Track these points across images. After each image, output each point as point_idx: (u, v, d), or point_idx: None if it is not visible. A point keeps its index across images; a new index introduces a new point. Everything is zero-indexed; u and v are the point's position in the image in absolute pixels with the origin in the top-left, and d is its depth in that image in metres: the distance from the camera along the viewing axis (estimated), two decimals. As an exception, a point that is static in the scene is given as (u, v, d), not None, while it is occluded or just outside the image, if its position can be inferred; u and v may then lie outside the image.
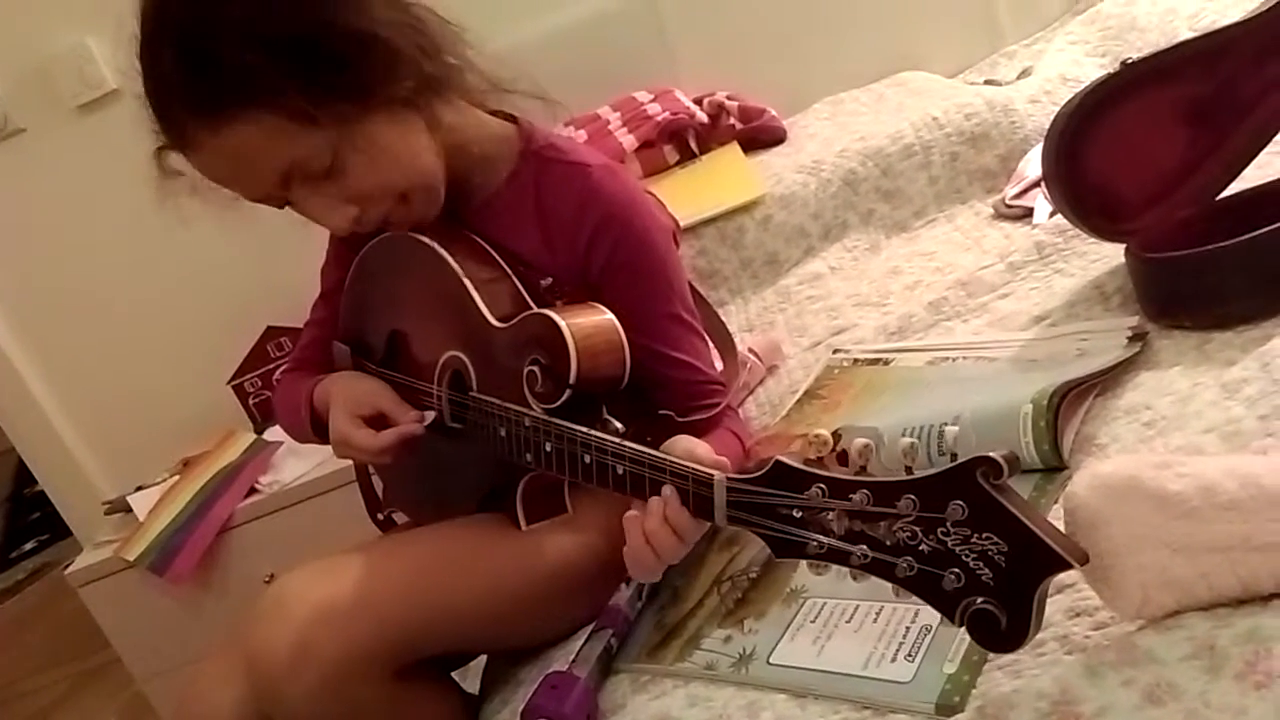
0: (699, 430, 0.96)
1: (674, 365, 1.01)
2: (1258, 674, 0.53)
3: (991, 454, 0.55)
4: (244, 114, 0.88)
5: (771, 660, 0.79)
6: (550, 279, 1.01)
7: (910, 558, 0.59)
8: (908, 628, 0.75)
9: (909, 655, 0.72)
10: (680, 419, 0.99)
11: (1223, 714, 0.53)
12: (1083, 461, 0.85)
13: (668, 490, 0.77)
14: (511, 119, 1.08)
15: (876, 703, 0.70)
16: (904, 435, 0.93)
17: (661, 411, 1.00)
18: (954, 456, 0.57)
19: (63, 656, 2.60)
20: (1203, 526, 0.58)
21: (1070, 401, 0.89)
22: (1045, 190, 1.32)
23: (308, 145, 0.91)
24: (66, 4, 1.88)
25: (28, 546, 3.38)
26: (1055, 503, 0.81)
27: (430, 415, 1.04)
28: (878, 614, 0.78)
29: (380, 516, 1.24)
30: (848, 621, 0.79)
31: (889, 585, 0.61)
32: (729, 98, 1.96)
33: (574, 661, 0.87)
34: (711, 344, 1.15)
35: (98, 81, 1.93)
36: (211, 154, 0.91)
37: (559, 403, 0.88)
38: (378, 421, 1.05)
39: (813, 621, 0.81)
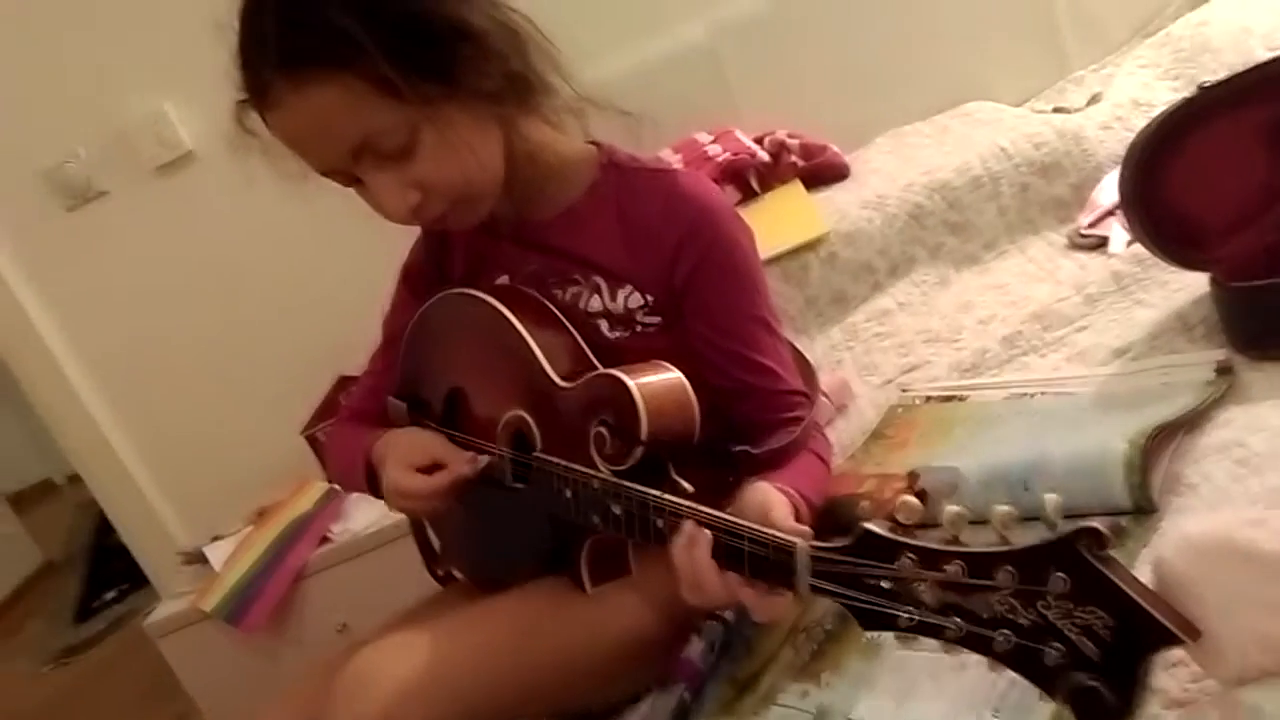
0: (779, 458, 0.94)
1: (757, 371, 1.00)
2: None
3: (1094, 524, 0.53)
4: (332, 75, 0.88)
5: (851, 717, 0.77)
6: (630, 286, 1.00)
7: (1008, 631, 0.57)
8: (993, 682, 0.72)
9: (995, 711, 0.69)
10: (756, 450, 0.96)
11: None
12: (1173, 503, 0.81)
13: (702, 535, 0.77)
14: (593, 144, 1.07)
15: (963, 762, 0.68)
16: (997, 503, 0.89)
17: (737, 448, 0.97)
18: (1052, 526, 0.54)
19: (145, 706, 2.64)
20: (1302, 584, 0.55)
21: (1158, 440, 0.85)
22: (1123, 218, 1.28)
23: (387, 119, 0.90)
24: (143, 72, 1.95)
25: (109, 595, 3.45)
26: (1144, 546, 0.78)
27: (484, 460, 1.02)
28: (961, 666, 0.75)
29: (440, 573, 1.22)
30: (929, 676, 0.76)
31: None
32: (790, 135, 1.95)
33: (648, 717, 0.85)
34: None
35: (175, 144, 1.99)
36: (291, 113, 0.91)
37: (628, 465, 0.86)
38: (432, 471, 1.04)
39: (893, 676, 0.78)
